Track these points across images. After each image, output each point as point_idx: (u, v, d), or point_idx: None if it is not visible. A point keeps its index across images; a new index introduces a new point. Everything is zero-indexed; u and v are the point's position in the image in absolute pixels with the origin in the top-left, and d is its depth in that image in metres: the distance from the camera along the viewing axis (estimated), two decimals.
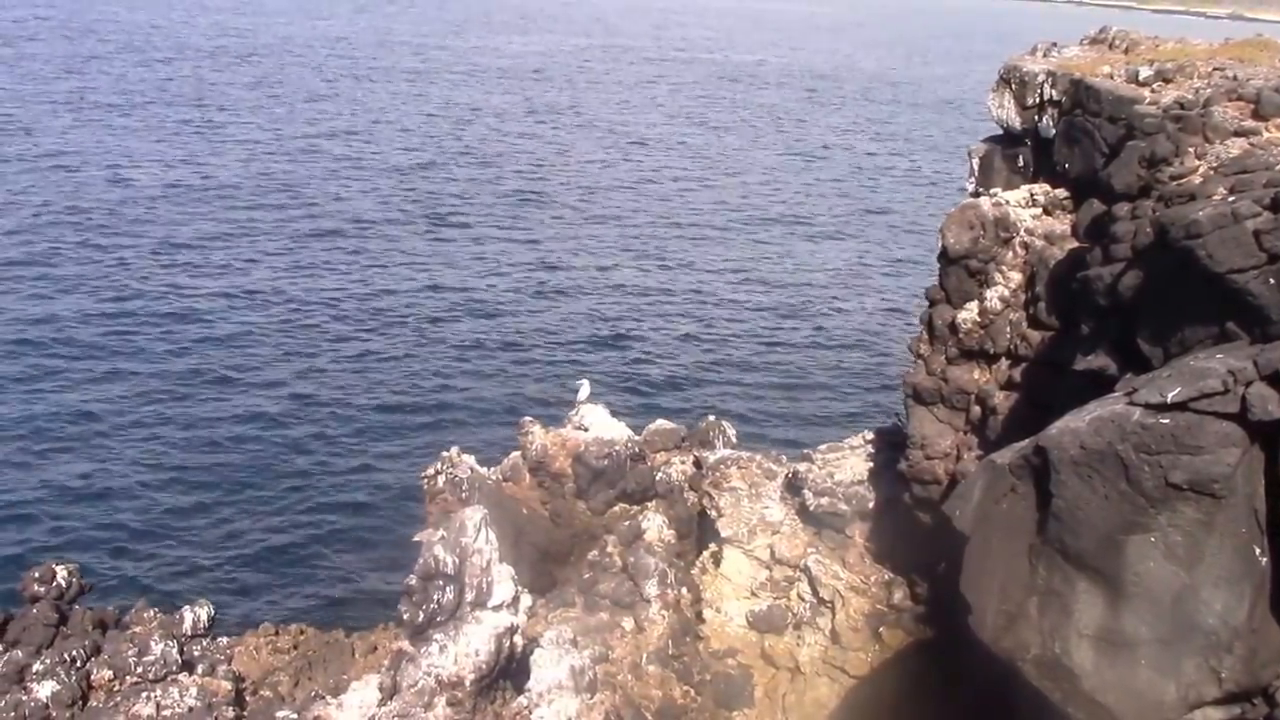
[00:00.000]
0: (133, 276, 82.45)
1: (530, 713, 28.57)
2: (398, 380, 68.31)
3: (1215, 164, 20.99)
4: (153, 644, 30.90)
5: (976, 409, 28.17)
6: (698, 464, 38.10)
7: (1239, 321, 17.49)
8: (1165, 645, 16.14)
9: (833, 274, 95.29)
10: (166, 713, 28.97)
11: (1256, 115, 22.47)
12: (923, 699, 28.69)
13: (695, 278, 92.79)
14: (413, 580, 30.75)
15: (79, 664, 30.01)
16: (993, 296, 27.60)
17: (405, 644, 30.71)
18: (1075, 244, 25.83)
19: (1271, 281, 17.12)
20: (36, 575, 32.11)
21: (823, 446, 36.64)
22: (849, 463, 34.39)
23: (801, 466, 34.96)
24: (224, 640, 33.76)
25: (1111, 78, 26.83)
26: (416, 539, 32.75)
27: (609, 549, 35.49)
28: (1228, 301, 17.65)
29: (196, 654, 31.93)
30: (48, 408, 61.19)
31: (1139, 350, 19.53)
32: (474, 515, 31.65)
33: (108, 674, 30.06)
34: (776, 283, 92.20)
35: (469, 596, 30.61)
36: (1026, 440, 17.98)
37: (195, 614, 33.01)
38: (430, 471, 38.43)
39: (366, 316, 78.36)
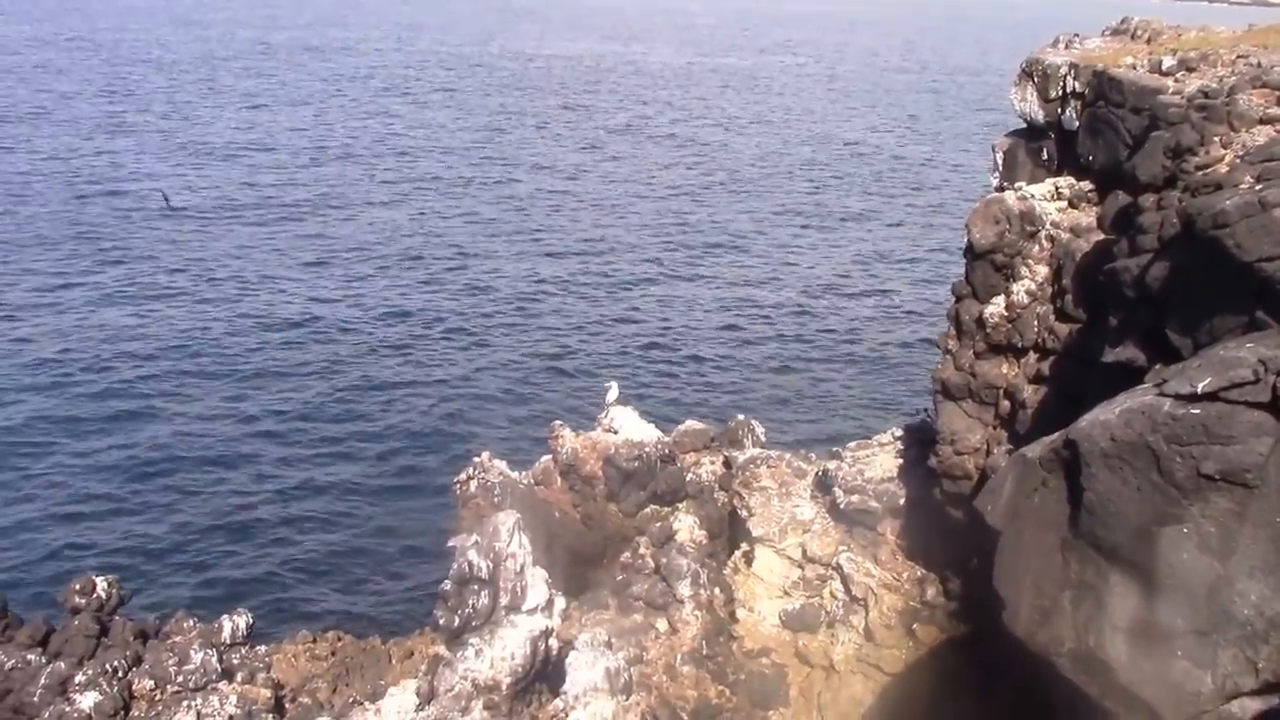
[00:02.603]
0: (165, 287, 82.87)
1: (566, 715, 28.58)
2: (427, 387, 68.39)
3: (1241, 152, 20.81)
4: (193, 653, 31.01)
5: (1005, 403, 28.01)
6: (727, 464, 38.03)
7: (1268, 310, 17.33)
8: (1201, 637, 15.98)
9: (858, 271, 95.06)
10: None
11: None
12: (958, 695, 28.54)
13: (722, 278, 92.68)
14: (447, 585, 30.79)
15: (120, 674, 30.13)
16: (1019, 290, 27.44)
17: (441, 649, 30.77)
18: (1101, 236, 25.66)
19: None
20: (77, 587, 32.24)
21: (852, 444, 36.51)
22: (879, 460, 34.25)
23: (831, 464, 34.85)
24: (262, 648, 33.85)
25: (1134, 68, 26.63)
26: (450, 544, 32.76)
27: (641, 550, 35.48)
28: (1257, 290, 17.49)
29: (236, 662, 32.01)
30: (82, 419, 61.51)
31: (1168, 341, 19.38)
32: (507, 519, 31.69)
33: (149, 684, 30.17)
34: (802, 281, 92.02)
35: (503, 600, 30.63)
36: (1056, 433, 17.85)
37: (234, 623, 33.10)
38: (462, 477, 38.44)
39: (394, 325, 78.51)
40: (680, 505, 37.65)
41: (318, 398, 66.20)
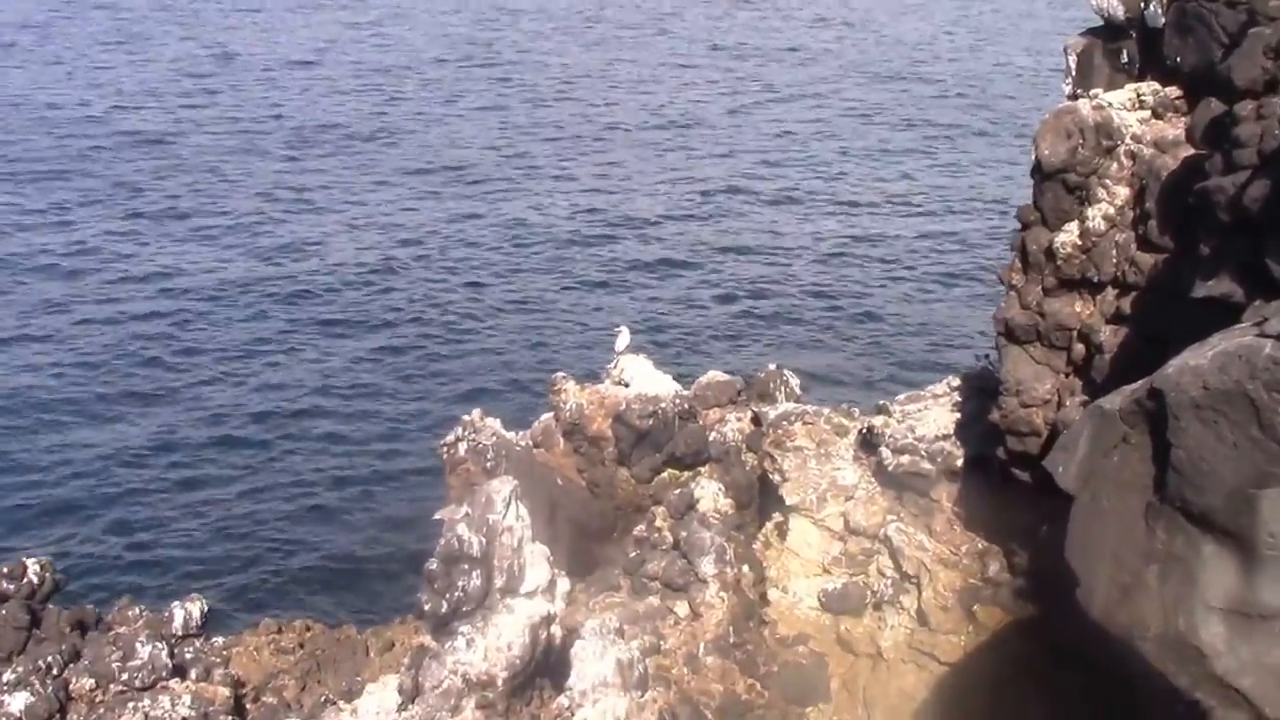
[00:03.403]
0: (115, 242, 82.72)
1: (572, 714, 28.61)
2: (407, 334, 68.43)
3: None
4: (139, 646, 31.07)
5: (1079, 347, 27.86)
6: (757, 421, 37.96)
7: None
8: None
9: (909, 195, 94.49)
10: None
11: None
12: (1025, 686, 28.54)
13: (751, 204, 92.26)
14: (433, 565, 30.78)
15: (55, 671, 30.20)
16: (1096, 215, 27.22)
17: (427, 639, 30.80)
18: (1191, 151, 25.43)
19: None
20: (4, 571, 32.32)
21: (901, 396, 36.36)
22: (932, 414, 34.13)
23: (877, 420, 34.72)
24: (219, 640, 33.94)
25: None
26: (436, 517, 32.78)
27: (657, 523, 35.48)
28: None
29: (189, 657, 32.11)
30: (16, 385, 61.61)
31: (1269, 272, 19.21)
32: (501, 488, 31.64)
33: (89, 682, 30.25)
34: (844, 207, 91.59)
35: (499, 582, 30.64)
36: (1139, 382, 17.73)
37: (186, 611, 33.17)
38: (450, 439, 38.45)
39: (369, 267, 78.40)
40: (702, 469, 37.64)
41: (276, 345, 66.27)
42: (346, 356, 65.75)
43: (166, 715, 29.35)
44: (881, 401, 37.34)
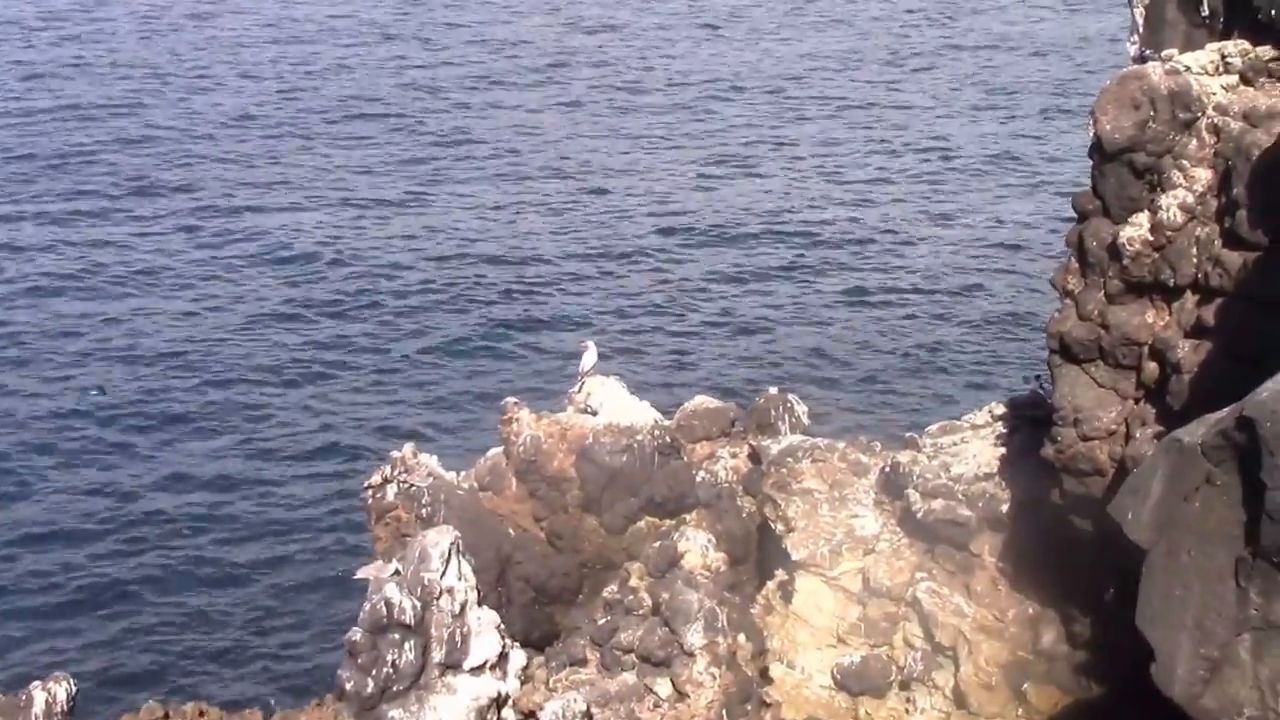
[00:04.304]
0: None
1: None
2: (322, 350, 68.11)
3: None
4: None
5: (1151, 366, 27.93)
6: (755, 457, 38.02)
7: None
8: None
9: (939, 179, 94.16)
10: None
11: None
12: None
13: (748, 191, 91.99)
14: (357, 635, 30.74)
15: None
16: (1170, 204, 27.31)
17: None
18: None
19: None
20: None
21: (933, 427, 36.52)
22: (971, 449, 34.26)
23: (904, 457, 34.85)
24: None
25: None
26: (359, 576, 32.76)
27: (632, 582, 35.48)
28: None
29: None
30: None
31: None
32: (439, 540, 31.62)
33: None
34: (860, 195, 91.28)
35: (437, 655, 30.63)
36: (1226, 409, 17.77)
37: (49, 693, 32.96)
38: (376, 479, 38.42)
39: (278, 265, 78.08)
40: (688, 517, 37.66)
41: (164, 364, 65.97)
42: (244, 374, 65.32)
43: None
44: (909, 434, 37.50)
